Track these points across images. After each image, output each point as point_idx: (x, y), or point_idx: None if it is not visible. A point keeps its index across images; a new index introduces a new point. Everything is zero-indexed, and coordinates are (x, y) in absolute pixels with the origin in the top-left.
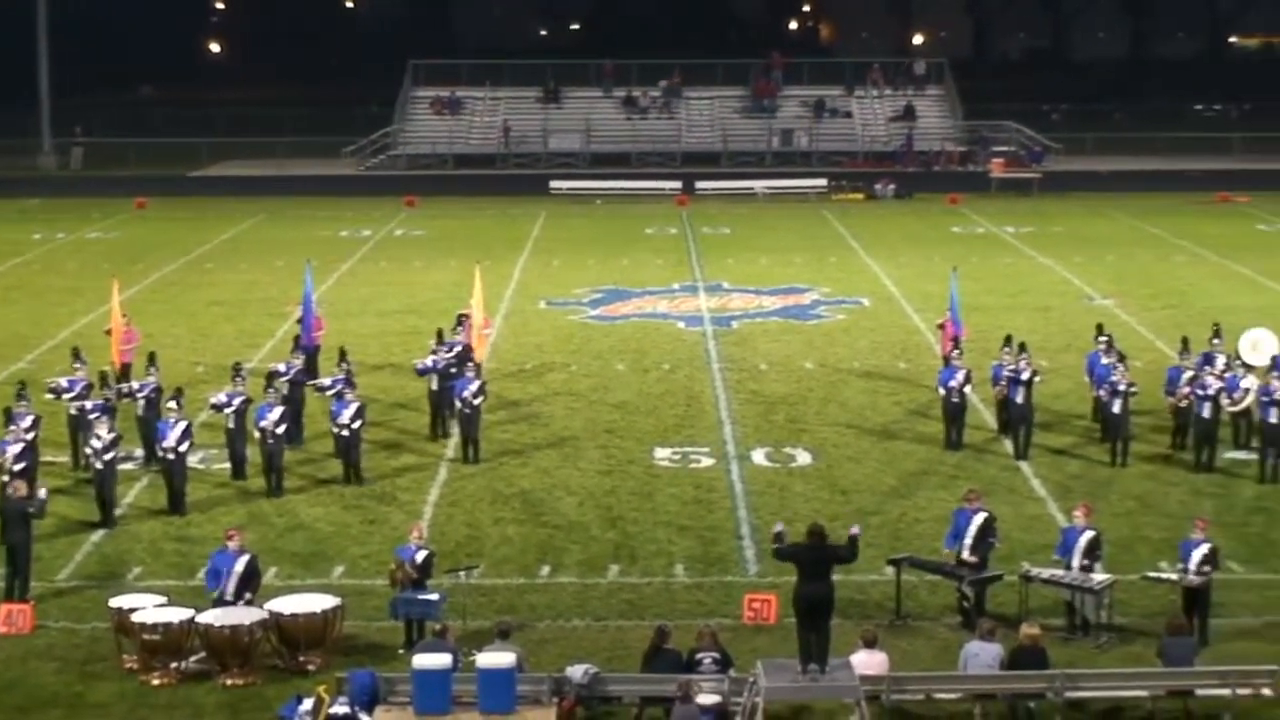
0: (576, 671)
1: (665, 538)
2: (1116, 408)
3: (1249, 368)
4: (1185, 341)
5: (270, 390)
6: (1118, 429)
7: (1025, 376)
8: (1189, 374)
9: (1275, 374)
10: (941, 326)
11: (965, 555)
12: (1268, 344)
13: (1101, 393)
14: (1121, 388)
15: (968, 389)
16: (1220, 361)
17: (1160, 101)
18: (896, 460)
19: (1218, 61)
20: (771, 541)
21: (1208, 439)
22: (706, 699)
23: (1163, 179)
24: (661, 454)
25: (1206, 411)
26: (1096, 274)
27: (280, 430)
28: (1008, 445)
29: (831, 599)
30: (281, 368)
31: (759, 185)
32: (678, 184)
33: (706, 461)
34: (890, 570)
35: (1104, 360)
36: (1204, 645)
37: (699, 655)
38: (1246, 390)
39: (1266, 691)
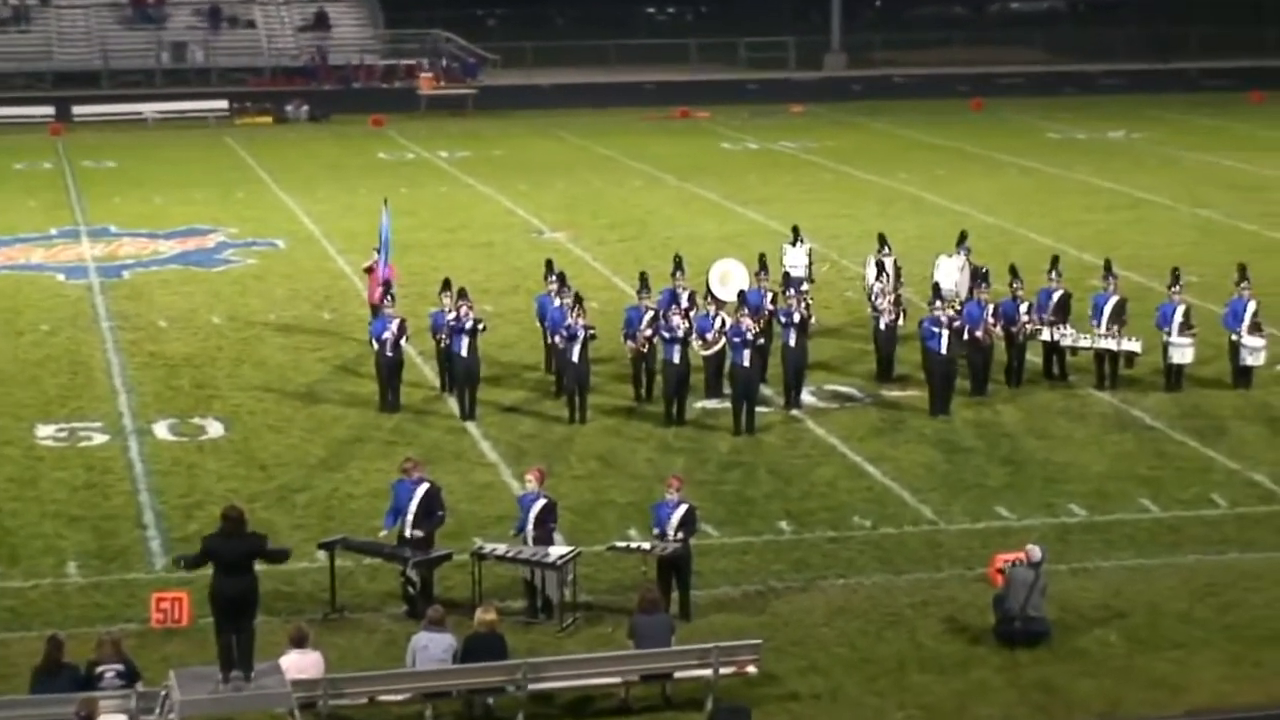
0: None
1: (53, 531)
2: (575, 355)
3: (720, 304)
4: (644, 277)
5: None
6: (577, 379)
7: (469, 325)
8: (650, 314)
9: (745, 311)
10: (370, 270)
11: (408, 533)
12: (738, 277)
13: (556, 339)
14: (579, 333)
15: (404, 341)
16: (685, 298)
17: (607, 5)
18: (325, 427)
19: None
20: (178, 568)
21: (677, 387)
22: (112, 719)
23: (614, 93)
24: (44, 432)
25: (675, 356)
26: (544, 203)
27: None
28: (452, 404)
29: (255, 593)
30: None
31: (148, 109)
32: (50, 109)
33: (100, 439)
34: (322, 556)
35: (556, 302)
36: (685, 620)
37: (100, 669)
38: (720, 331)
39: (751, 669)
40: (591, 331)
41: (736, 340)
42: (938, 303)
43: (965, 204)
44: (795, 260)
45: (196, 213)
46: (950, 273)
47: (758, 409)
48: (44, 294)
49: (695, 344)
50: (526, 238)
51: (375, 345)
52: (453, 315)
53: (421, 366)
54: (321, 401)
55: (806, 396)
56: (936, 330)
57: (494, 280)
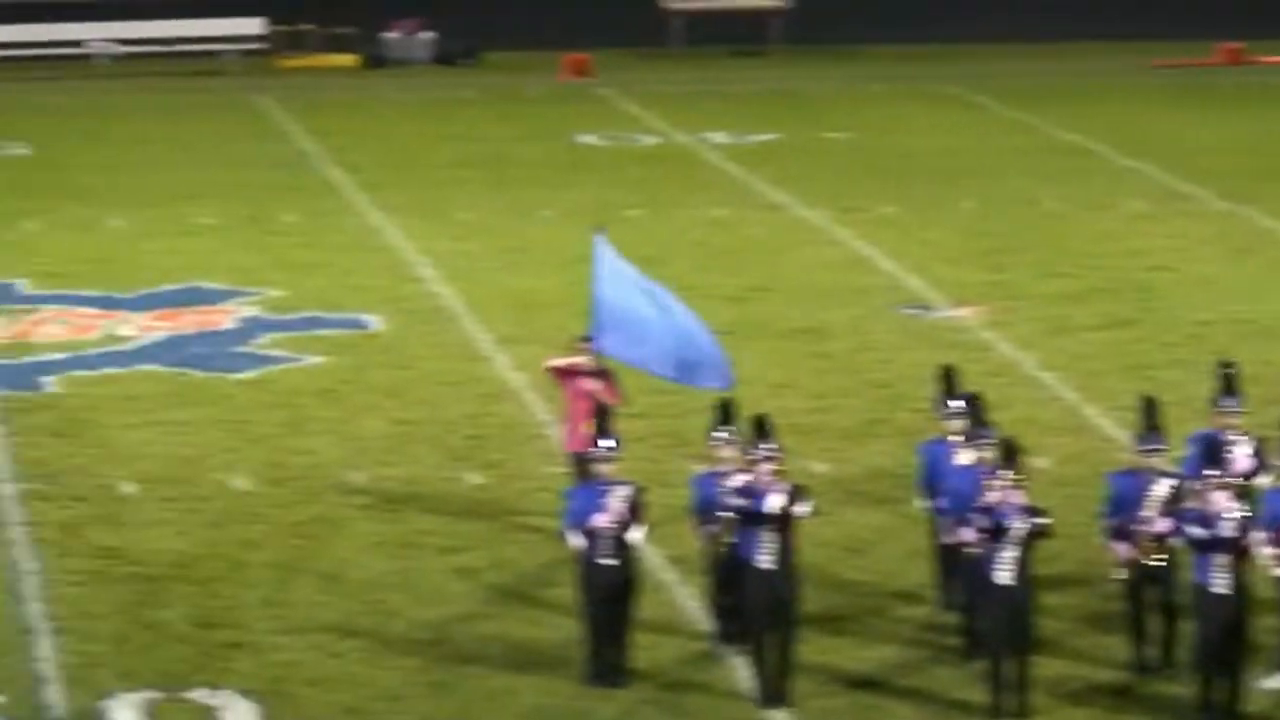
0: None
1: None
2: (1009, 573)
3: None
4: (1148, 409)
5: None
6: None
7: (777, 502)
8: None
9: None
10: (565, 373)
11: None
12: None
13: (971, 535)
14: (1011, 523)
15: (635, 530)
16: (1246, 458)
17: None
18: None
19: None
20: None
21: None
22: None
23: (1071, 9)
24: None
25: None
26: (931, 244)
27: None
28: (741, 674)
29: None
30: None
31: (95, 36)
32: None
33: None
34: None
35: (962, 459)
36: None
37: None
38: None
39: None
40: (1038, 522)
41: None
42: None
43: None
44: None
45: (198, 256)
46: None
47: None
48: None
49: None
50: (891, 316)
51: (578, 539)
52: (740, 480)
53: (674, 590)
54: (475, 662)
55: None
56: None
57: (828, 404)
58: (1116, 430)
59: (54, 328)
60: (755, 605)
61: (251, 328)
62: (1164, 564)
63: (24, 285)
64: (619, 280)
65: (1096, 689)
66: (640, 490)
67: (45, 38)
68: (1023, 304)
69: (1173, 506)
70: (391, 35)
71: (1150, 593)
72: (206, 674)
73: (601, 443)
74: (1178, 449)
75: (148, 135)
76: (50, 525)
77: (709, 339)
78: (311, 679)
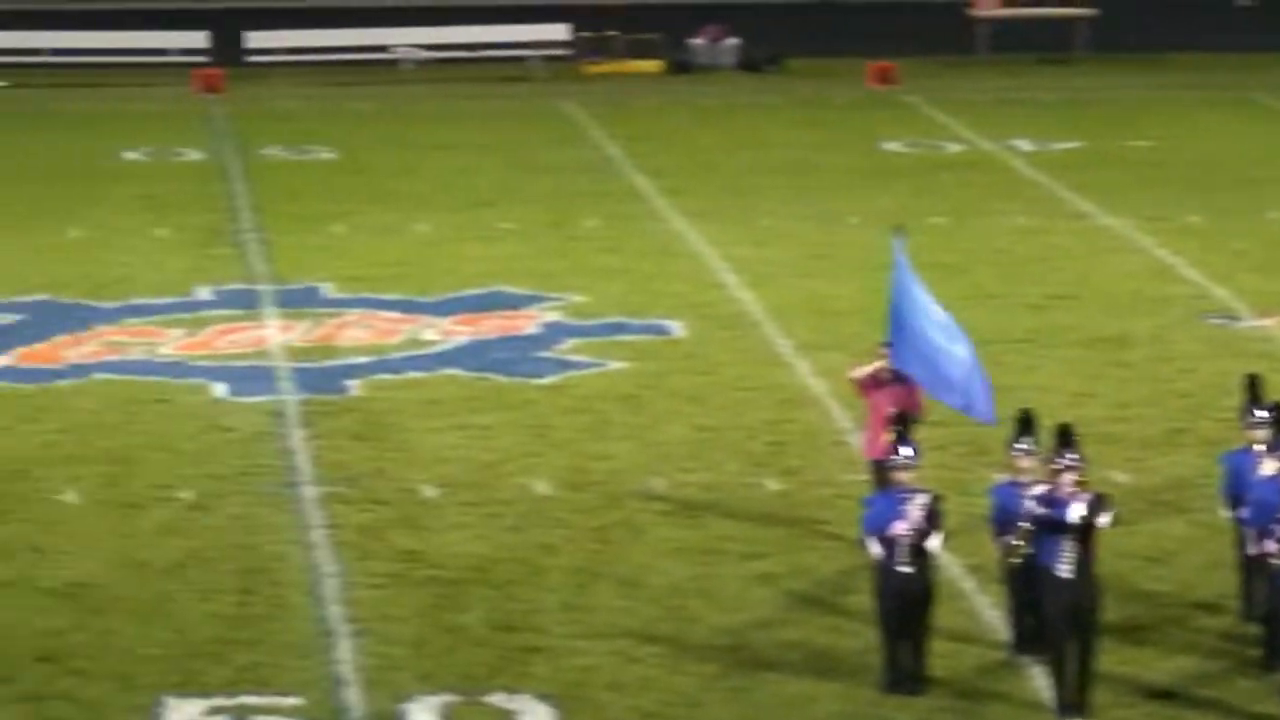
0: None
1: None
2: None
3: None
4: None
5: None
6: None
7: (1073, 510)
8: None
9: None
10: (871, 383)
11: None
12: None
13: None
14: None
15: (933, 539)
16: None
17: None
18: None
19: None
20: None
21: None
22: None
23: None
24: (183, 717)
25: None
26: (1235, 255)
27: None
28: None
29: None
30: None
31: (402, 41)
32: (200, 39)
33: None
34: None
35: (1270, 468)
36: None
37: None
38: None
39: None
40: None
41: None
42: None
43: None
44: None
45: (500, 261)
46: None
47: None
48: (184, 424)
49: None
50: (1195, 325)
51: (876, 547)
52: (1041, 488)
53: (972, 599)
54: (774, 668)
55: None
56: None
57: (1130, 414)
58: None
59: (358, 331)
60: (1055, 615)
61: (554, 333)
62: None
63: (328, 289)
64: (909, 291)
65: None
66: (939, 498)
67: (353, 43)
68: None
69: None
70: (696, 41)
71: None
72: (505, 678)
73: (901, 450)
74: None
75: (452, 140)
76: (351, 528)
77: (980, 370)
78: (610, 684)
